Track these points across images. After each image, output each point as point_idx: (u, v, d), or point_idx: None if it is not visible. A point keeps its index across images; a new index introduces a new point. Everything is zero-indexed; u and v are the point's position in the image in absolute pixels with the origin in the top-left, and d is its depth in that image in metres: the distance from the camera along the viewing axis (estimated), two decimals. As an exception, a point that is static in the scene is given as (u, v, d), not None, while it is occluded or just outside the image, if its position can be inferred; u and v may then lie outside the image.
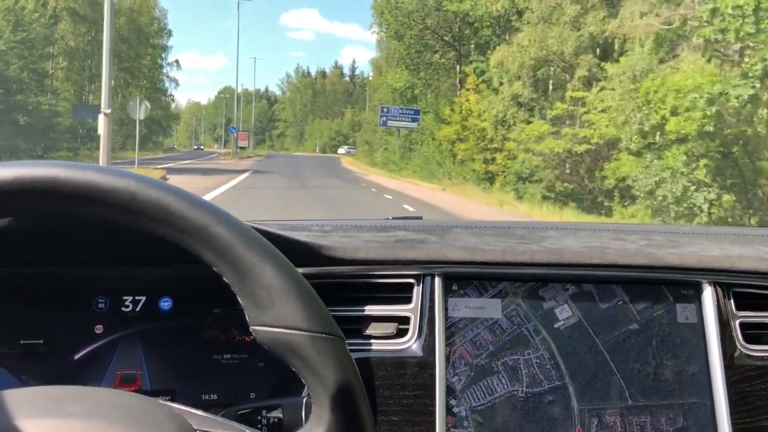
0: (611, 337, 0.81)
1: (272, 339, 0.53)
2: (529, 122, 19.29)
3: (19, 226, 0.69)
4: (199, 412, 0.51)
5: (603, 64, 17.11)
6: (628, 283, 0.83)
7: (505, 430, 0.78)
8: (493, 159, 22.11)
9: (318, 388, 0.53)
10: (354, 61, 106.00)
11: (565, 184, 17.22)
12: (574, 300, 0.82)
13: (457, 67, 28.95)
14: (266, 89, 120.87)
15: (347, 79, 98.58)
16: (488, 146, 22.32)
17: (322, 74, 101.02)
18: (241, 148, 53.22)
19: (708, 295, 0.84)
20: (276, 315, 0.52)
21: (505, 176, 21.34)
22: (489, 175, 22.54)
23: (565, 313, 0.82)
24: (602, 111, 16.02)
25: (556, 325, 0.81)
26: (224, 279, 0.53)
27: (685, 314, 0.83)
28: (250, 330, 0.54)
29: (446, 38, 27.94)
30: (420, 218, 1.21)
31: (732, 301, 0.85)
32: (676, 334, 0.82)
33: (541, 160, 17.53)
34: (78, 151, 35.07)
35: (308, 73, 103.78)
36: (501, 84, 21.27)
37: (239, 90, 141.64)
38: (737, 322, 0.84)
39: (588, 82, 17.85)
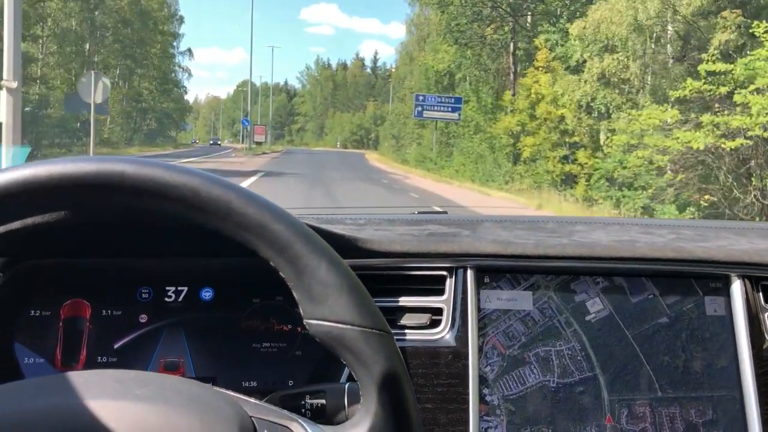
0: (641, 330, 0.82)
1: (325, 333, 0.55)
2: (633, 108, 13.92)
3: (71, 219, 0.70)
4: (252, 400, 0.54)
5: (756, 23, 11.67)
6: (657, 276, 0.85)
7: (537, 419, 0.81)
8: (574, 157, 16.87)
9: (368, 382, 0.55)
10: (376, 53, 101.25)
11: (706, 196, 11.93)
12: (605, 293, 0.83)
13: (511, 44, 23.67)
14: (285, 83, 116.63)
15: (368, 71, 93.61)
16: (567, 140, 17.06)
17: (343, 66, 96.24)
18: (257, 143, 48.63)
19: (737, 288, 0.85)
20: (330, 310, 0.54)
21: (588, 179, 16.06)
22: (566, 178, 17.29)
23: (596, 306, 0.83)
24: (756, 91, 10.68)
25: (588, 318, 0.83)
26: (281, 273, 0.54)
27: (713, 307, 0.84)
28: (304, 323, 0.55)
29: (502, 7, 22.66)
30: (446, 212, 1.28)
31: (761, 294, 0.86)
32: (705, 327, 0.83)
33: (668, 159, 12.20)
34: (71, 147, 30.47)
35: (328, 65, 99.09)
36: (583, 61, 15.97)
37: (258, 83, 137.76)
38: (766, 315, 0.84)
39: (727, 54, 12.49)
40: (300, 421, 0.53)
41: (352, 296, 0.54)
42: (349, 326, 0.54)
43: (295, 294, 0.55)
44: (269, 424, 0.51)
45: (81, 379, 0.50)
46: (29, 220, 0.66)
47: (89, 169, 0.51)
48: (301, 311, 0.55)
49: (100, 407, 0.47)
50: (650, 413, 0.81)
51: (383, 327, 0.55)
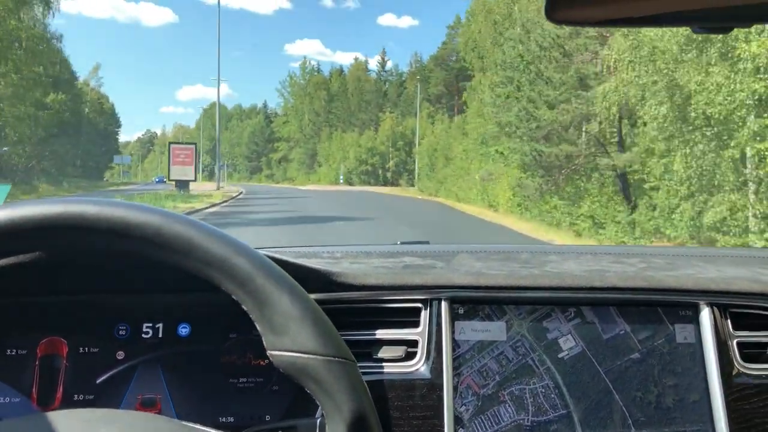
0: (613, 365, 0.84)
1: (288, 363, 0.57)
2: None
3: (46, 258, 0.73)
4: None
5: None
6: (628, 305, 0.87)
7: None
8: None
9: (332, 409, 0.57)
10: (384, 52, 75.30)
11: None
12: (577, 330, 0.85)
13: None
14: (264, 104, 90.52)
15: (373, 73, 67.41)
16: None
17: (339, 72, 70.10)
18: (179, 182, 22.10)
19: (706, 315, 0.87)
20: (292, 340, 0.56)
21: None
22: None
23: (568, 344, 0.85)
24: None
25: (560, 355, 0.84)
26: (243, 306, 0.57)
27: (683, 334, 0.86)
28: (268, 354, 0.58)
29: None
30: (427, 242, 1.26)
31: (729, 321, 0.88)
32: (675, 356, 0.85)
33: None
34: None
35: (319, 70, 72.91)
36: None
37: (230, 106, 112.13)
38: (735, 342, 0.87)
39: None
40: None
41: (314, 326, 0.57)
42: (311, 355, 0.56)
43: (258, 326, 0.57)
44: None
45: (48, 420, 0.52)
46: (2, 261, 0.67)
47: (48, 212, 0.53)
48: (264, 343, 0.57)
49: None
50: None
51: (345, 355, 0.58)
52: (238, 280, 0.56)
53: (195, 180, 24.77)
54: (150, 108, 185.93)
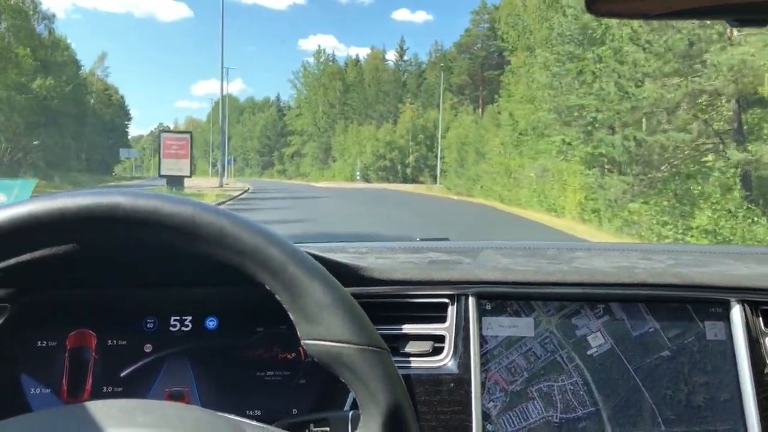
0: (643, 363, 0.84)
1: (323, 352, 0.57)
2: None
3: (79, 251, 0.74)
4: (256, 423, 0.55)
5: None
6: (657, 302, 0.86)
7: None
8: None
9: (366, 397, 0.57)
10: (402, 40, 71.28)
11: None
12: (606, 327, 0.85)
13: None
14: (277, 97, 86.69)
15: (390, 63, 63.51)
16: None
17: (354, 62, 66.19)
18: (171, 178, 18.26)
19: (736, 313, 0.86)
20: (326, 329, 0.56)
21: None
22: None
23: (597, 341, 0.84)
24: None
25: (589, 352, 0.84)
26: (276, 296, 0.57)
27: (714, 332, 0.85)
28: (302, 344, 0.58)
29: None
30: (447, 239, 1.25)
31: (761, 318, 0.87)
32: (705, 353, 0.85)
33: None
34: None
35: (333, 59, 69.05)
36: None
37: (243, 99, 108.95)
38: (766, 339, 0.86)
39: None
40: None
41: (347, 315, 0.57)
42: (345, 344, 0.56)
43: (291, 316, 0.57)
44: None
45: (86, 410, 0.52)
46: (36, 253, 0.68)
47: (85, 203, 0.54)
48: (298, 333, 0.58)
49: None
50: None
51: (379, 344, 0.58)
52: (271, 269, 0.56)
53: (190, 176, 20.94)
54: (165, 102, 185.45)
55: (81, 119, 67.81)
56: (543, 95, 18.91)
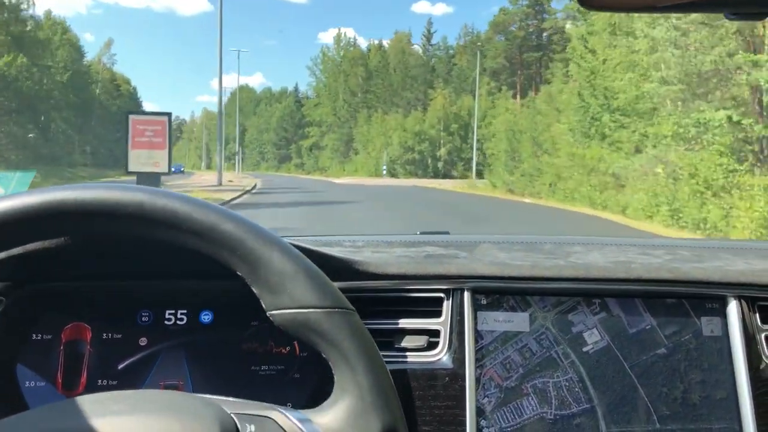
0: (639, 360, 0.84)
1: (290, 320, 0.58)
2: None
3: (70, 243, 0.75)
4: (231, 399, 0.57)
5: None
6: (653, 297, 0.86)
7: None
8: None
9: (338, 359, 0.58)
10: (430, 22, 65.52)
11: None
12: (602, 323, 0.85)
13: None
14: (295, 87, 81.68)
15: (417, 46, 57.90)
16: None
17: (378, 47, 60.71)
18: (142, 175, 12.79)
19: (733, 308, 0.85)
20: (290, 297, 0.57)
21: None
22: None
23: (593, 337, 0.84)
24: None
25: (585, 349, 0.84)
26: (238, 272, 0.58)
27: (710, 327, 0.85)
28: (268, 315, 0.59)
29: None
30: (447, 233, 1.25)
31: (757, 314, 0.86)
32: (702, 349, 0.84)
33: None
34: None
35: (355, 43, 63.56)
36: None
37: (259, 90, 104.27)
38: (763, 335, 0.85)
39: None
40: (279, 409, 0.57)
41: (308, 281, 0.57)
42: (311, 309, 0.57)
43: (254, 289, 0.58)
44: (250, 417, 0.54)
45: (60, 407, 0.54)
46: (31, 246, 0.68)
47: (45, 199, 0.55)
48: (263, 305, 0.58)
49: (79, 429, 0.50)
50: None
51: (344, 305, 0.59)
52: (228, 245, 0.57)
53: (169, 172, 15.52)
54: (186, 96, 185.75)
55: (85, 110, 63.60)
56: (661, 57, 13.20)
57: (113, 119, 73.83)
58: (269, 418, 0.55)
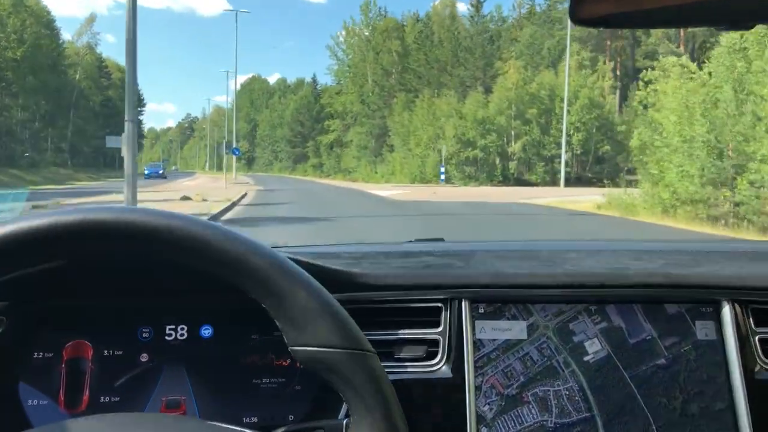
0: (639, 371, 0.85)
1: (310, 357, 0.58)
2: None
3: (73, 263, 0.77)
4: (246, 431, 0.58)
5: None
6: (650, 303, 0.88)
7: None
8: None
9: (355, 399, 0.59)
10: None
11: None
12: (603, 333, 0.86)
13: None
14: (314, 78, 69.35)
15: (468, 11, 45.09)
16: None
17: (415, 18, 48.07)
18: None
19: (727, 312, 0.87)
20: (312, 335, 0.58)
21: None
22: None
23: (594, 347, 0.85)
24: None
25: (586, 359, 0.85)
26: (262, 304, 0.59)
27: (704, 331, 0.87)
28: (290, 350, 0.59)
29: None
30: (442, 240, 1.26)
31: (751, 318, 0.88)
32: (696, 353, 0.86)
33: None
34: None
35: (386, 12, 50.82)
36: None
37: (273, 82, 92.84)
38: (757, 338, 0.87)
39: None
40: None
41: (332, 320, 0.58)
42: (331, 349, 0.58)
43: (278, 323, 0.59)
44: None
45: (79, 425, 0.54)
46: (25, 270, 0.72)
47: (64, 221, 0.56)
48: (285, 339, 0.59)
49: None
50: None
51: (365, 347, 0.60)
52: (255, 278, 0.57)
53: None
54: (202, 97, 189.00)
55: (57, 98, 52.11)
56: None
57: (103, 112, 62.56)
58: None
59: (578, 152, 33.71)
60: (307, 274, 0.60)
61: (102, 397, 0.82)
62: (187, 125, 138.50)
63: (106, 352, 0.84)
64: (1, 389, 0.82)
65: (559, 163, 32.22)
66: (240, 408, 0.81)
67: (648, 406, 0.82)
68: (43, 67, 43.90)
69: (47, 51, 45.08)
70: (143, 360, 0.84)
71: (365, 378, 0.58)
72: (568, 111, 31.03)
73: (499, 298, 0.85)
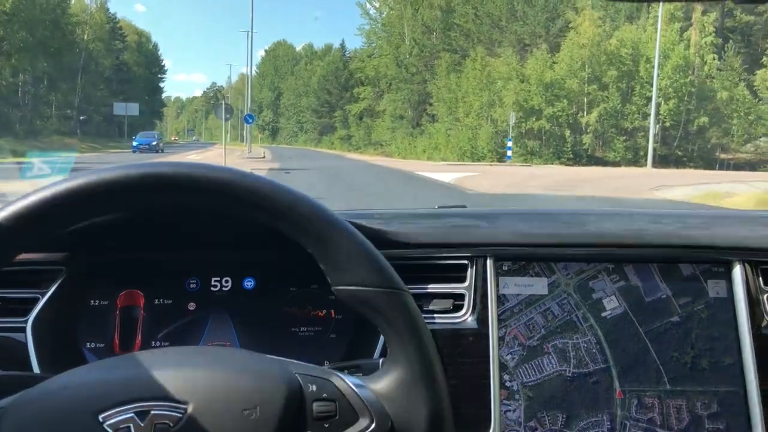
0: (653, 327, 0.90)
1: (352, 296, 0.64)
2: None
3: (126, 217, 0.83)
4: (295, 361, 0.64)
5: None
6: (665, 262, 0.93)
7: (553, 405, 0.89)
8: None
9: (392, 334, 0.64)
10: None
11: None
12: (620, 291, 0.92)
13: None
14: (342, 44, 63.27)
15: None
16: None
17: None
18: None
19: (737, 272, 0.92)
20: (353, 276, 0.63)
21: None
22: None
23: (612, 304, 0.91)
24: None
25: (603, 314, 0.91)
26: (308, 249, 0.64)
27: (716, 290, 0.92)
28: (333, 290, 0.65)
29: None
30: (464, 207, 1.33)
31: (760, 278, 0.93)
32: (708, 311, 0.91)
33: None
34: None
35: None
36: None
37: (299, 48, 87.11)
38: (765, 297, 0.92)
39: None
40: (337, 373, 0.63)
41: (371, 262, 0.64)
42: (371, 288, 0.63)
43: (322, 266, 0.64)
44: (312, 378, 0.60)
45: (145, 356, 0.60)
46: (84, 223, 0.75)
47: (129, 174, 0.60)
48: (329, 280, 0.64)
49: (165, 376, 0.56)
50: (658, 404, 0.88)
51: (400, 286, 0.65)
52: (302, 226, 0.62)
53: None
54: (228, 66, 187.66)
55: (59, 60, 47.34)
56: None
57: (116, 77, 57.86)
58: (329, 380, 0.61)
59: (667, 125, 27.65)
60: (346, 222, 0.65)
61: (153, 342, 0.91)
62: (212, 94, 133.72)
63: (156, 301, 0.93)
64: (62, 333, 0.89)
65: (643, 137, 26.28)
66: (280, 354, 0.83)
67: (660, 360, 0.88)
68: (40, 22, 38.81)
69: (44, 4, 39.97)
70: (191, 309, 0.93)
71: (401, 314, 0.63)
72: (658, 73, 24.92)
73: (522, 257, 0.91)
